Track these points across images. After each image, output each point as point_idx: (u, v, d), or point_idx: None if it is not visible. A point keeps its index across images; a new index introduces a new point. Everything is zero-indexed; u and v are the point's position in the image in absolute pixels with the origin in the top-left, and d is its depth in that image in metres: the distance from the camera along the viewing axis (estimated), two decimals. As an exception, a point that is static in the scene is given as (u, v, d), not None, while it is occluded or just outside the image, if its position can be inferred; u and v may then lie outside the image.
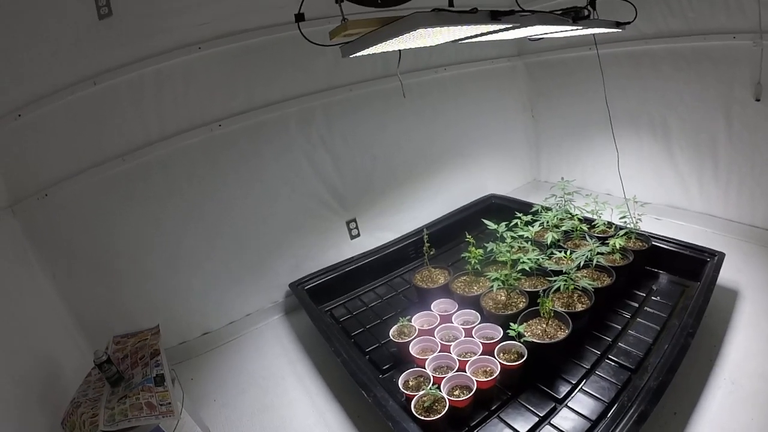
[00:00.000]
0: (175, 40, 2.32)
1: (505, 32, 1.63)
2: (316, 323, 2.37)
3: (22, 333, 1.98)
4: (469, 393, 1.67)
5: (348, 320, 2.57)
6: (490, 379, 1.72)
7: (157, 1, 2.22)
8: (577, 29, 1.93)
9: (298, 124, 2.78)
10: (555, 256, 2.33)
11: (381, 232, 3.24)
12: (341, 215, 3.10)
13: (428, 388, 1.68)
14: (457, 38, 1.60)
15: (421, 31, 1.25)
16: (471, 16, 1.25)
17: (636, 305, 2.24)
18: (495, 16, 1.32)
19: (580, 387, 1.79)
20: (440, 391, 1.68)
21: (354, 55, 1.54)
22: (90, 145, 2.25)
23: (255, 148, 2.66)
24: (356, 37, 1.46)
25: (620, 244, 2.30)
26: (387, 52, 1.77)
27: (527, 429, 1.62)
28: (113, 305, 2.40)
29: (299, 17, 1.76)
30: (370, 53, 1.57)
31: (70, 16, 2.03)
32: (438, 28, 1.29)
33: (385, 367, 2.11)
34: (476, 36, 1.67)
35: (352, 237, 3.17)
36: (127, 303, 2.43)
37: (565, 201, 2.80)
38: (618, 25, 2.12)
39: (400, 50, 1.85)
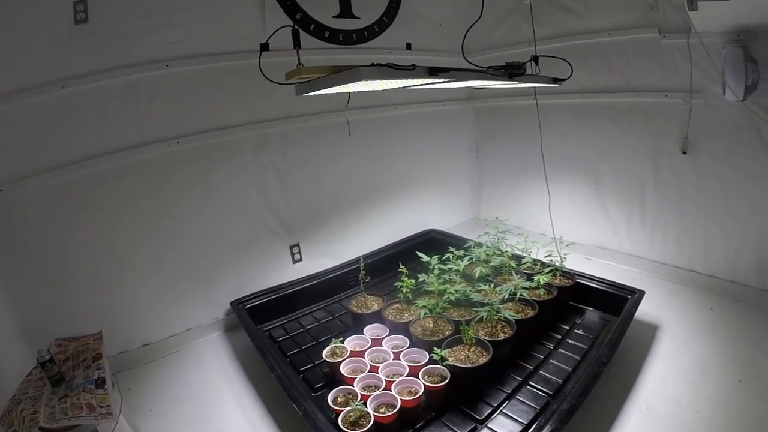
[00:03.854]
0: (146, 54, 2.54)
1: (448, 83, 1.91)
2: (254, 340, 2.54)
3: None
4: (394, 410, 1.89)
5: (285, 341, 2.75)
6: (413, 398, 1.95)
7: (133, 14, 2.44)
8: (515, 84, 2.25)
9: (253, 148, 3.03)
10: (482, 288, 2.62)
11: (323, 258, 3.50)
12: (285, 240, 3.34)
13: (355, 404, 1.89)
14: (400, 86, 1.87)
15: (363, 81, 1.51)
16: (409, 72, 1.51)
17: (559, 337, 2.54)
18: (432, 72, 1.58)
19: (500, 410, 2.03)
20: (366, 407, 1.89)
21: (306, 94, 1.78)
22: (52, 146, 2.39)
23: (210, 168, 2.87)
24: (309, 78, 1.70)
25: (544, 280, 2.63)
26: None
27: (448, 446, 1.84)
28: (57, 310, 2.48)
29: (264, 46, 2.01)
30: (322, 94, 1.82)
31: (47, 17, 2.20)
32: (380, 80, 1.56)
33: (317, 386, 2.30)
34: (419, 85, 1.95)
35: (295, 261, 3.40)
36: (72, 309, 2.52)
37: (498, 239, 3.13)
38: (555, 81, 2.46)
39: (349, 92, 2.10)
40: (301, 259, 3.40)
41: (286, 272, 3.30)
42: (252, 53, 2.75)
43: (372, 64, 1.43)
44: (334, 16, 2.93)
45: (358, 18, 3.12)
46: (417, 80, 1.68)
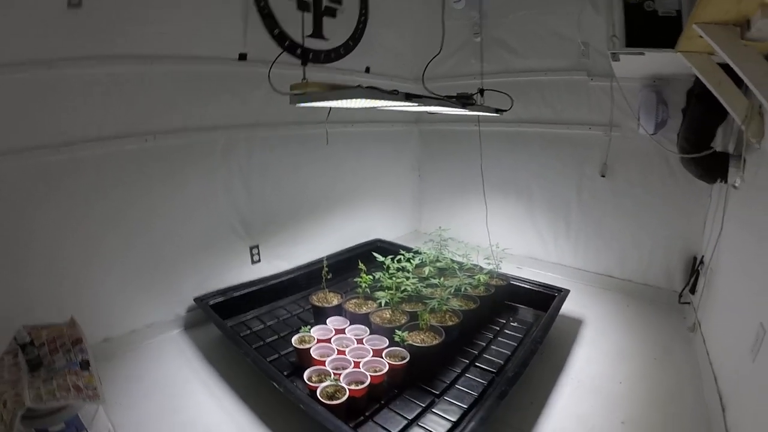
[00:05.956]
0: (133, 48, 2.69)
1: (411, 106, 2.34)
2: (224, 331, 2.79)
3: None
4: (364, 384, 2.21)
5: (249, 335, 2.99)
6: (380, 374, 2.30)
7: (125, 6, 2.59)
8: (465, 111, 2.72)
9: (222, 151, 3.27)
10: (433, 283, 3.08)
11: (279, 260, 3.79)
12: (246, 241, 3.57)
13: (331, 379, 2.22)
14: (375, 106, 2.28)
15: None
16: (393, 95, 1.91)
17: (498, 328, 3.04)
18: (409, 97, 1.99)
19: (453, 385, 2.43)
20: (341, 383, 2.22)
21: (301, 105, 2.12)
22: (30, 127, 2.41)
23: (181, 166, 3.05)
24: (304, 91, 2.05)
25: (484, 279, 3.14)
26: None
27: (413, 415, 2.18)
28: (17, 297, 2.46)
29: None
30: (312, 106, 2.18)
31: None
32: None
33: (285, 373, 2.52)
34: (385, 107, 2.38)
35: (253, 262, 3.64)
36: (34, 297, 2.51)
37: (441, 246, 3.58)
38: (497, 111, 2.93)
39: (330, 107, 2.47)
40: (259, 260, 3.66)
41: (245, 273, 3.54)
42: (230, 61, 3.10)
43: (358, 86, 1.79)
44: (306, 36, 3.31)
45: (328, 39, 3.54)
46: (393, 103, 2.08)
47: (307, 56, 3.35)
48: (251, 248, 3.61)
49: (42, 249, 2.55)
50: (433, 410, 2.25)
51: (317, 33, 3.42)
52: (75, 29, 2.45)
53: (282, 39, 3.21)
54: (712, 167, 2.80)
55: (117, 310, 2.90)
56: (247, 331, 3.06)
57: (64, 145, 2.54)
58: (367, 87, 1.80)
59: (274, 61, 2.17)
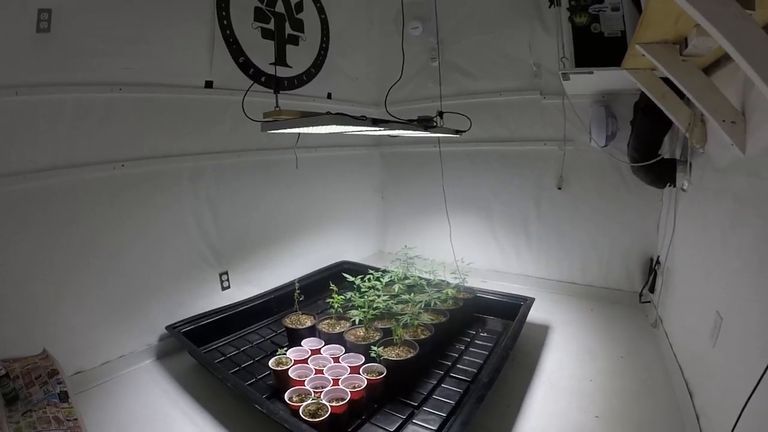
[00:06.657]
0: (102, 75, 2.72)
1: (377, 130, 2.46)
2: (199, 358, 2.82)
3: None
4: (344, 401, 2.26)
5: (223, 361, 3.00)
6: (359, 389, 2.36)
7: (95, 35, 2.63)
8: (426, 134, 2.87)
9: (190, 178, 3.29)
10: (404, 299, 3.16)
11: (249, 286, 3.82)
12: (215, 267, 3.58)
13: (312, 398, 2.27)
14: (342, 131, 2.39)
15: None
16: (361, 120, 2.02)
17: (468, 339, 3.16)
18: (376, 122, 2.12)
19: (431, 396, 2.52)
20: (322, 400, 2.27)
21: (271, 131, 2.21)
22: None
23: (151, 194, 3.06)
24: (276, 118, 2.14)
25: (452, 293, 3.26)
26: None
27: (395, 428, 2.25)
28: None
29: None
30: (281, 132, 2.27)
31: (8, 18, 2.27)
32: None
33: (264, 396, 2.55)
34: (350, 131, 2.49)
35: (223, 288, 3.65)
36: (5, 331, 2.43)
37: (408, 265, 3.69)
38: (457, 132, 3.09)
39: (299, 133, 2.58)
40: (229, 287, 3.67)
41: (215, 299, 3.54)
42: (196, 88, 3.17)
43: (327, 113, 1.90)
44: (270, 63, 3.41)
45: (291, 67, 3.65)
46: (357, 127, 2.18)
47: (271, 83, 3.45)
48: (221, 275, 3.62)
49: (12, 285, 2.48)
50: (414, 421, 2.33)
51: (281, 60, 3.54)
52: (44, 55, 2.45)
53: (247, 67, 3.31)
54: (662, 173, 3.06)
55: (89, 342, 2.83)
56: (222, 357, 3.06)
57: (31, 173, 2.49)
58: (336, 113, 1.91)
59: (247, 91, 2.24)
